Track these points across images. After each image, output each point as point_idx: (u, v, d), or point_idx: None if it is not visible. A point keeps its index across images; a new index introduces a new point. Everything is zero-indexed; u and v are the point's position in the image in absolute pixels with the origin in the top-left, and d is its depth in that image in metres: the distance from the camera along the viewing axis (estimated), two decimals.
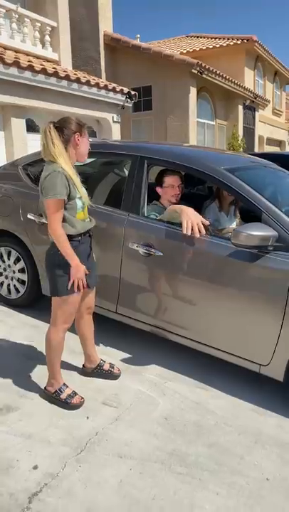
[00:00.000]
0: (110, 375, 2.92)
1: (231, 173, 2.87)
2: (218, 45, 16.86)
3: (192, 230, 2.72)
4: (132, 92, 9.73)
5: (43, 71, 7.23)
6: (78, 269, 2.43)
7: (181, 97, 12.41)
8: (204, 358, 2.96)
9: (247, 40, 16.70)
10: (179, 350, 3.08)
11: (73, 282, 2.44)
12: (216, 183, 2.89)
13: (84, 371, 2.95)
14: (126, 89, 9.57)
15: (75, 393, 2.59)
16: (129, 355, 3.17)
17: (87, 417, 2.50)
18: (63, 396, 2.57)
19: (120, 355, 3.19)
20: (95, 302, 2.96)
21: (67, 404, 2.56)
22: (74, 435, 2.34)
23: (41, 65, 7.40)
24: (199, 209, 3.05)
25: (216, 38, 18.25)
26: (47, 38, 9.35)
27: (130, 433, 2.39)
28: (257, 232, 2.53)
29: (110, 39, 12.60)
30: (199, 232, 2.73)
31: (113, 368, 2.96)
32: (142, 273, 3.07)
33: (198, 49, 16.74)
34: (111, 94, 9.15)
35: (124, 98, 9.54)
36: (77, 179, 2.47)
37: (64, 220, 2.42)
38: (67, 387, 2.61)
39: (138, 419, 2.51)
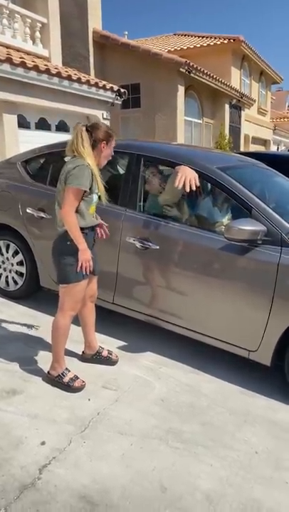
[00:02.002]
0: (109, 361, 3.08)
1: (224, 171, 3.06)
2: (205, 44, 17.05)
3: (184, 183, 2.89)
4: (122, 90, 9.86)
5: (35, 68, 7.31)
6: (85, 253, 2.59)
7: (170, 95, 12.57)
8: (197, 346, 3.15)
9: (234, 40, 16.92)
10: (173, 338, 3.26)
11: (81, 266, 2.60)
12: (209, 181, 3.07)
13: (83, 357, 3.12)
14: (116, 87, 9.70)
15: (76, 377, 2.76)
16: (126, 343, 3.35)
17: (89, 399, 2.67)
18: (66, 380, 2.73)
19: (117, 343, 3.37)
20: None
21: (70, 387, 2.72)
22: (77, 415, 2.51)
23: (33, 61, 7.49)
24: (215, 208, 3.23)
25: (202, 37, 18.43)
26: (37, 34, 9.40)
27: (129, 413, 2.57)
28: (247, 226, 2.72)
29: (99, 36, 12.68)
30: (190, 187, 2.89)
31: (111, 354, 3.13)
32: (139, 266, 3.25)
33: (185, 47, 16.90)
34: (101, 91, 9.27)
35: (113, 96, 9.66)
36: (99, 176, 2.65)
37: (77, 211, 2.57)
38: (69, 371, 2.77)
39: (136, 401, 2.69)
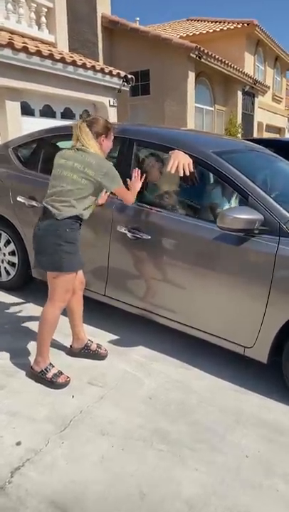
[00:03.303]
0: (97, 355, 2.96)
1: (219, 156, 2.87)
2: (218, 29, 16.63)
3: (177, 168, 2.76)
4: (129, 76, 9.63)
5: (38, 53, 7.15)
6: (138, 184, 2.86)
7: (179, 81, 12.30)
8: (191, 339, 2.99)
9: (247, 24, 16.49)
10: (166, 332, 3.11)
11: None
12: (204, 166, 2.89)
13: (71, 351, 3.00)
14: (123, 73, 9.47)
15: (60, 372, 2.63)
16: (117, 337, 3.21)
17: (73, 396, 2.54)
18: (49, 375, 2.61)
19: (108, 336, 3.23)
20: (86, 285, 3.02)
21: (53, 383, 2.60)
22: (59, 413, 2.39)
23: (36, 46, 7.32)
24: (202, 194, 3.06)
25: (216, 22, 17.98)
26: (43, 19, 9.21)
27: (114, 411, 2.43)
28: (243, 215, 2.54)
29: (108, 21, 12.43)
30: (184, 172, 2.77)
31: (100, 348, 3.01)
32: (131, 256, 3.09)
33: (198, 33, 16.53)
34: (107, 77, 9.07)
35: (120, 82, 9.45)
36: None
37: (86, 206, 2.60)
38: (53, 366, 2.65)
39: (123, 398, 2.55)
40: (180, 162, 2.78)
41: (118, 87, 9.53)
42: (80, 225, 2.64)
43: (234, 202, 2.88)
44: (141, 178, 2.87)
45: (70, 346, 3.01)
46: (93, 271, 3.28)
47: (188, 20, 20.26)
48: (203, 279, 2.80)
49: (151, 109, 12.89)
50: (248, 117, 16.97)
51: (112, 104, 9.53)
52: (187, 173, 2.78)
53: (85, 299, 2.97)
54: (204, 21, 18.93)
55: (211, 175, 2.97)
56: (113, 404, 2.50)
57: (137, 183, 2.86)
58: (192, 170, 2.81)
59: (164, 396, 2.61)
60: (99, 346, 3.01)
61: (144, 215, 3.02)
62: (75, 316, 2.92)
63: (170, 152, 2.90)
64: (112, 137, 2.78)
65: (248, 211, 2.59)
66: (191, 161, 2.83)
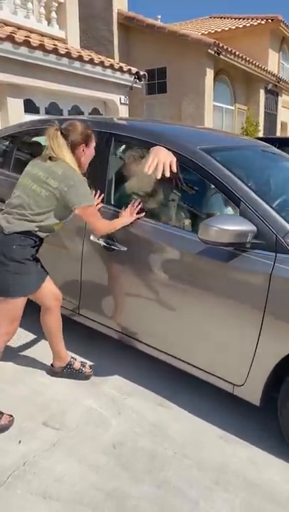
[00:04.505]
0: (81, 374, 2.63)
1: (208, 153, 2.40)
2: (241, 26, 16.03)
3: (156, 168, 2.32)
4: (141, 73, 9.18)
5: (41, 47, 6.78)
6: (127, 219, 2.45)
7: (197, 79, 11.77)
8: (174, 370, 2.52)
9: (272, 20, 15.81)
10: (147, 359, 2.65)
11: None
12: (189, 165, 2.41)
13: (52, 371, 2.65)
14: (134, 69, 9.03)
15: (1, 413, 2.20)
16: (89, 363, 2.76)
17: (20, 441, 2.11)
18: None
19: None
20: None
21: None
22: None
23: (40, 41, 6.96)
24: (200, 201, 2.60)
25: (239, 19, 17.39)
26: (53, 14, 8.87)
27: (66, 464, 1.99)
28: (230, 226, 2.06)
29: (124, 18, 12.01)
30: (164, 173, 2.32)
31: (84, 366, 2.66)
32: (105, 270, 2.65)
33: (219, 30, 15.96)
34: (118, 74, 8.64)
35: (132, 78, 9.01)
36: None
37: (44, 224, 2.23)
38: (2, 414, 2.22)
39: (81, 446, 2.11)
40: (160, 161, 2.33)
41: (130, 84, 9.09)
42: (37, 242, 2.24)
43: (225, 209, 2.41)
44: (138, 212, 2.48)
45: (51, 365, 2.65)
46: (65, 286, 2.86)
47: (210, 17, 19.73)
48: (185, 300, 2.34)
49: (168, 108, 12.41)
50: (271, 117, 16.28)
51: (123, 101, 9.11)
52: (167, 174, 2.32)
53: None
54: (227, 18, 18.36)
55: (199, 176, 2.49)
56: (67, 453, 2.06)
57: (127, 217, 2.45)
58: (175, 170, 2.35)
59: (132, 444, 2.15)
60: (83, 365, 2.66)
61: None
62: (54, 336, 2.56)
63: (151, 149, 2.45)
64: (94, 144, 2.39)
65: (238, 221, 2.11)
66: (175, 159, 2.37)
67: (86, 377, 2.62)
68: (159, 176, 2.32)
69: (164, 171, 2.32)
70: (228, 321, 2.19)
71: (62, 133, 2.26)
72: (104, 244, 2.56)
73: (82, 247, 2.70)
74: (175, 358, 2.45)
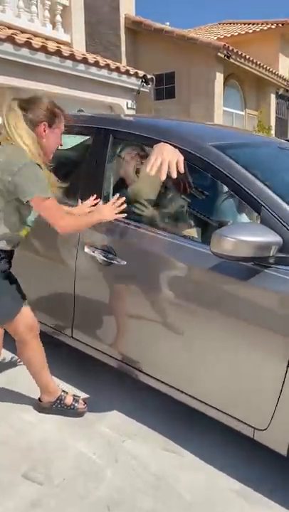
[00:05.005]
0: (73, 411, 2.23)
1: (221, 150, 2.02)
2: (250, 31, 15.73)
3: (160, 168, 1.92)
4: (149, 76, 8.89)
5: (43, 49, 6.50)
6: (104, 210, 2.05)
7: (206, 83, 11.46)
8: (181, 407, 2.12)
9: (282, 24, 15.49)
10: (150, 393, 2.25)
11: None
12: (200, 164, 2.04)
13: (40, 406, 2.26)
14: (141, 73, 8.74)
15: None
16: (84, 395, 2.38)
17: None
18: None
19: (72, 392, 2.40)
20: (47, 321, 2.39)
21: None
22: None
23: (42, 42, 6.68)
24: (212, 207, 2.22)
25: (249, 24, 17.10)
26: (58, 18, 8.65)
27: None
28: (250, 236, 1.68)
29: (131, 22, 11.77)
30: (169, 174, 1.93)
31: (77, 401, 2.26)
32: (102, 287, 2.28)
33: (229, 35, 15.67)
34: (124, 77, 8.35)
35: (139, 82, 8.70)
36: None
37: (9, 237, 1.90)
38: None
39: (66, 507, 1.72)
40: (165, 159, 1.96)
41: (136, 87, 8.79)
42: (1, 255, 1.89)
43: (239, 216, 2.03)
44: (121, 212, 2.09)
45: (39, 399, 2.26)
46: (56, 305, 2.50)
47: (219, 23, 19.47)
48: (195, 325, 1.95)
49: (177, 114, 12.09)
50: (283, 122, 15.90)
51: (129, 106, 8.80)
52: (174, 175, 1.95)
53: (44, 338, 2.17)
54: (236, 24, 18.08)
55: (211, 177, 2.11)
56: None
57: (106, 213, 2.05)
58: (182, 170, 1.98)
59: (130, 502, 1.76)
60: (76, 399, 2.27)
61: (118, 232, 2.20)
62: (37, 371, 2.18)
63: (154, 146, 2.08)
64: (62, 128, 1.99)
65: (259, 230, 1.73)
66: (182, 157, 2.00)
67: (79, 414, 2.23)
68: (163, 178, 1.95)
69: (169, 171, 1.95)
70: (248, 351, 1.80)
71: (20, 105, 1.86)
72: (101, 257, 2.19)
73: (75, 260, 2.33)
74: (183, 392, 2.06)
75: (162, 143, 2.07)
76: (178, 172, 1.96)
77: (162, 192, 2.24)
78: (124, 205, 2.08)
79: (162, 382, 2.12)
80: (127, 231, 2.17)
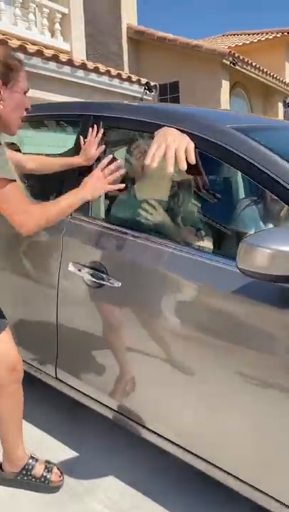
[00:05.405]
0: (43, 485, 1.68)
1: (245, 133, 1.52)
2: (255, 41, 15.48)
3: (165, 158, 1.42)
4: (152, 83, 8.45)
5: (39, 53, 6.13)
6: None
7: (212, 92, 11.09)
8: (194, 474, 1.59)
9: (288, 33, 15.23)
10: (155, 453, 1.72)
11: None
12: (217, 152, 1.53)
13: (1, 476, 1.71)
14: (144, 80, 8.38)
15: None
16: (74, 455, 1.84)
17: None
18: None
19: (57, 454, 1.87)
20: (26, 357, 1.84)
21: None
22: None
23: (38, 47, 6.31)
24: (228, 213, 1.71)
25: (253, 34, 16.88)
26: (57, 26, 8.35)
27: None
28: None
29: (134, 32, 11.51)
30: (178, 165, 1.43)
31: (50, 471, 1.71)
32: (90, 316, 1.77)
33: (233, 45, 15.41)
34: (126, 84, 7.99)
35: (141, 89, 8.32)
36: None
37: None
38: None
39: None
40: (170, 147, 1.46)
41: (139, 95, 8.39)
42: None
43: (277, 220, 1.53)
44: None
45: (0, 467, 1.71)
46: (36, 336, 2.00)
47: (223, 35, 19.29)
48: (214, 368, 1.43)
49: None
50: None
51: None
52: (183, 167, 1.44)
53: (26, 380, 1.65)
54: (241, 35, 17.88)
55: (232, 170, 1.61)
56: None
57: (97, 185, 1.56)
58: (193, 160, 1.48)
59: None
60: (48, 469, 1.72)
61: (112, 245, 1.70)
62: (6, 428, 1.64)
63: (155, 132, 1.58)
64: (25, 87, 1.49)
65: None
66: (192, 144, 1.50)
67: (52, 490, 1.68)
68: (170, 170, 1.44)
69: (176, 162, 1.45)
70: (280, 403, 1.27)
71: None
72: (89, 277, 1.69)
73: (57, 280, 1.83)
74: (197, 456, 1.52)
75: (166, 127, 1.58)
76: (188, 163, 1.46)
77: (168, 191, 1.74)
78: (122, 171, 1.56)
79: (169, 441, 1.59)
80: (122, 243, 1.67)
